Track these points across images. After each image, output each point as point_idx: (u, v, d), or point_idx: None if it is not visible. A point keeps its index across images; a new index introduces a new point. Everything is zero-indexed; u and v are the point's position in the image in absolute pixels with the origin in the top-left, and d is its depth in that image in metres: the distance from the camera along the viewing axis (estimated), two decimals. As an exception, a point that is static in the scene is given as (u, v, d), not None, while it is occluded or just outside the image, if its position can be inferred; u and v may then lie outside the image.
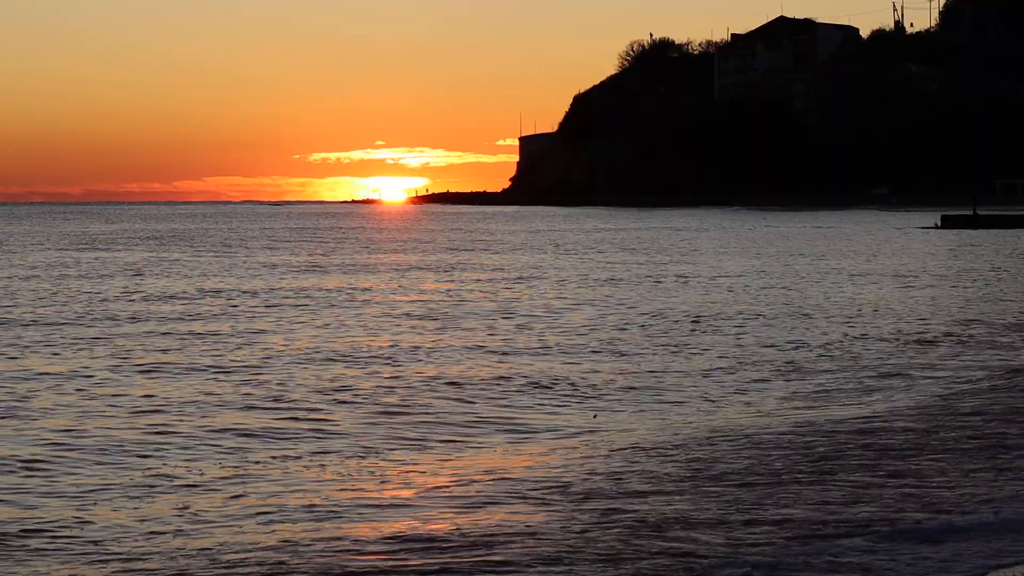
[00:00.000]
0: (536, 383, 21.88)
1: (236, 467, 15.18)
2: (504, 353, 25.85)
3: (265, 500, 13.56)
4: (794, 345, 27.28)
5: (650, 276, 50.40)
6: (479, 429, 17.82)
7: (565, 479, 14.56)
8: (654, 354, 25.88)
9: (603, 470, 15.08)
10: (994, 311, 35.45)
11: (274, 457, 15.77)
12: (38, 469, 15.00)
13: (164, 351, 26.00)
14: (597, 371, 23.39)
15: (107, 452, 15.96)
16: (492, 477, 14.68)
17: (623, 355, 25.70)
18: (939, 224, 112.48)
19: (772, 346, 27.19)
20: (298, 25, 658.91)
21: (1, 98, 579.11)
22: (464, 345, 27.03)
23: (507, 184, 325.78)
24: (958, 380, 22.33)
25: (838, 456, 15.70)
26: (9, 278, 49.43)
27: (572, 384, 21.84)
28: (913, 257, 64.59)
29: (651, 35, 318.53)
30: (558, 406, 19.81)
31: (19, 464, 15.28)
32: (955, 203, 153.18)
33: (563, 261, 62.56)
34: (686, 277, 49.77)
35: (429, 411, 19.15)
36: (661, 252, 70.83)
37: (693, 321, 32.31)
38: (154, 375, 22.62)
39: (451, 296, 40.86)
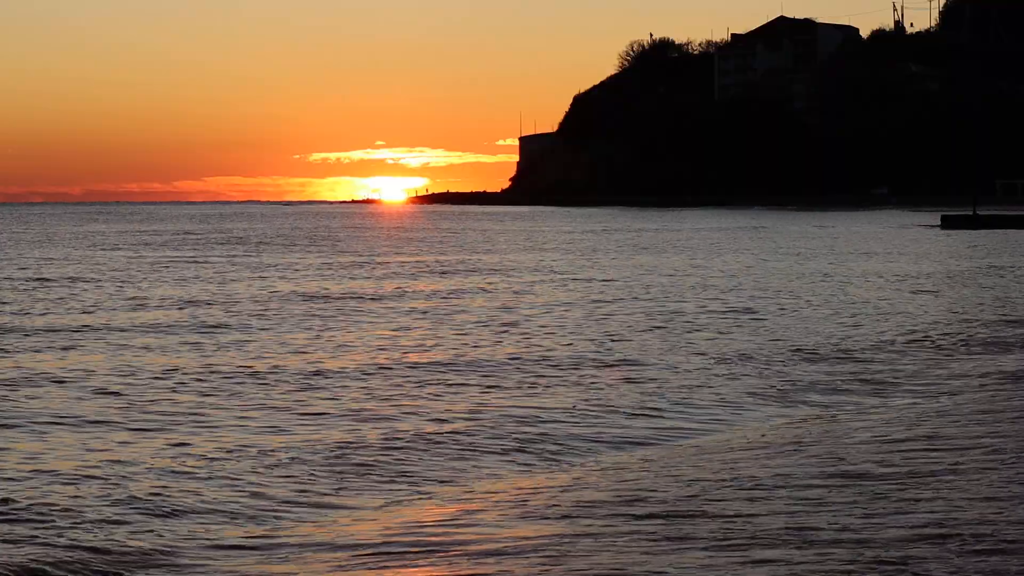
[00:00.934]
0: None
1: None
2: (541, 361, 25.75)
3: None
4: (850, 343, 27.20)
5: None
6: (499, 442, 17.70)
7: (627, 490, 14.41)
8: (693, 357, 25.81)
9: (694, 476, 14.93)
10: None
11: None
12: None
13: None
14: (601, 373, 23.32)
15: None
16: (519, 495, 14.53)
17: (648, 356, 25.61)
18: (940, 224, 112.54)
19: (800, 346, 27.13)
20: (298, 25, 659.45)
21: (1, 98, 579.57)
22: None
23: (507, 184, 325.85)
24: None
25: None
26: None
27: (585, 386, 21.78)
28: (964, 259, 64.54)
29: (651, 35, 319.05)
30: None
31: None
32: (955, 203, 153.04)
33: (605, 262, 61.93)
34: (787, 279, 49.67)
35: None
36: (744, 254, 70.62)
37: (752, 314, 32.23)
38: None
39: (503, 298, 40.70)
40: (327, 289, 43.59)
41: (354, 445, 16.37)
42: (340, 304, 37.57)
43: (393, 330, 30.33)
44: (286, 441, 16.66)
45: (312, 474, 14.82)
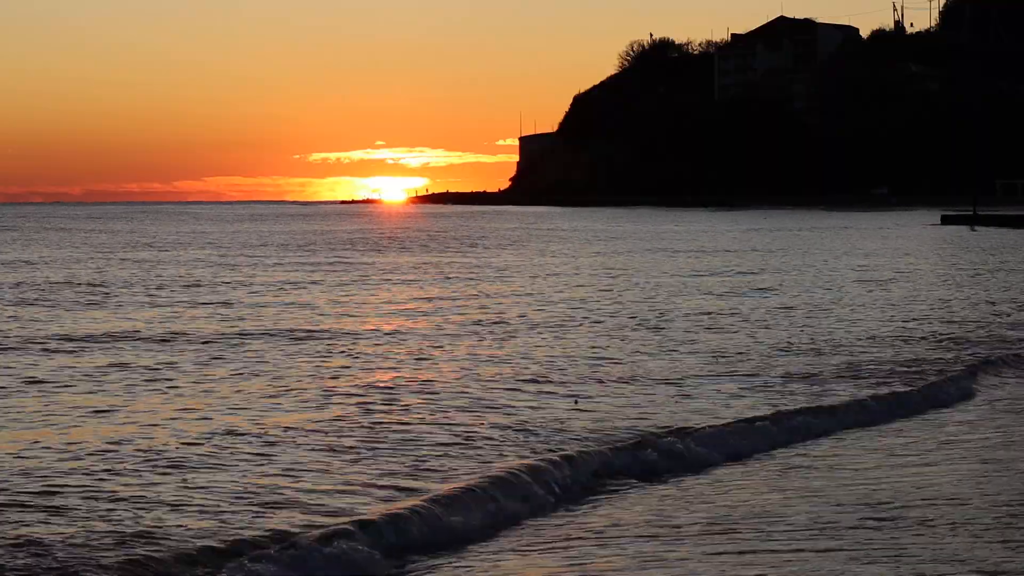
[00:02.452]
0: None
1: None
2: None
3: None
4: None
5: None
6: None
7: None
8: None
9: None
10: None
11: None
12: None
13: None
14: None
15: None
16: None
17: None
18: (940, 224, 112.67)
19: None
20: (298, 25, 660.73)
21: (1, 98, 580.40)
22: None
23: (507, 184, 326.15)
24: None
25: None
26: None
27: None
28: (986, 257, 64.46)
29: (651, 35, 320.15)
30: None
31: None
32: (955, 203, 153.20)
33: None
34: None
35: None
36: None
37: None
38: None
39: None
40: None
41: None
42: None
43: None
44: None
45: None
